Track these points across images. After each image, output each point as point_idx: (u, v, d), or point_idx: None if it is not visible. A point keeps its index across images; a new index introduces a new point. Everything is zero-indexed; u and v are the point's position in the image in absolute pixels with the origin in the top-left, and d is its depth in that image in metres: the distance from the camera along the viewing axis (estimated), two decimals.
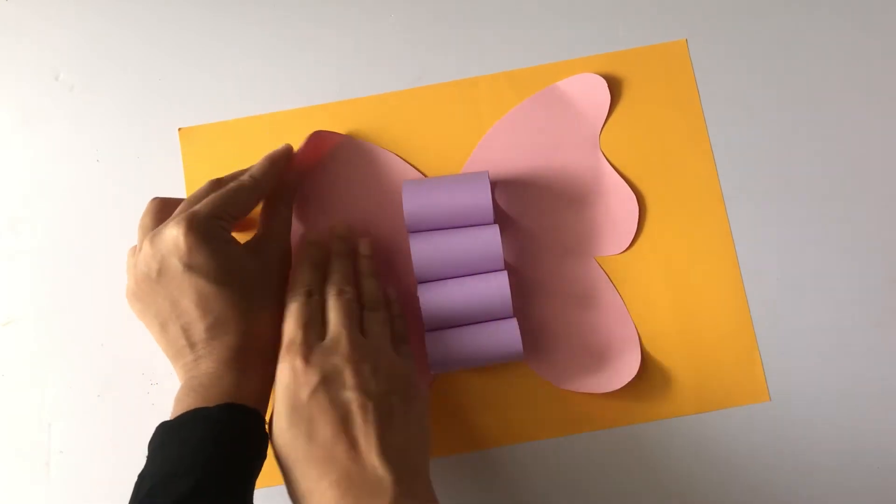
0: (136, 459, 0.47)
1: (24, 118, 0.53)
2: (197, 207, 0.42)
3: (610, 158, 0.51)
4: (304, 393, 0.39)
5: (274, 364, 0.41)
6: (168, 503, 0.35)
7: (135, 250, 0.44)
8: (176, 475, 0.36)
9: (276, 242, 0.46)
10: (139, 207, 0.51)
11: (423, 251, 0.46)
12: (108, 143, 0.53)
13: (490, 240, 0.46)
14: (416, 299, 0.47)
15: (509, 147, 0.51)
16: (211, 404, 0.39)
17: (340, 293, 0.44)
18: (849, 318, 0.49)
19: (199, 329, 0.41)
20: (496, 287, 0.46)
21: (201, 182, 0.51)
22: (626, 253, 0.50)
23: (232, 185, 0.45)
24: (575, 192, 0.51)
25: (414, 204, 0.46)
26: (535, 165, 0.51)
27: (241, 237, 0.46)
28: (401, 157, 0.52)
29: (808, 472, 0.47)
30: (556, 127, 0.51)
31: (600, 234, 0.50)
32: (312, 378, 0.39)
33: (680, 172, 0.51)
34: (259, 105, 0.53)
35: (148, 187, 0.52)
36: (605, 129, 0.52)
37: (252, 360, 0.41)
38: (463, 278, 0.47)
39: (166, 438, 0.39)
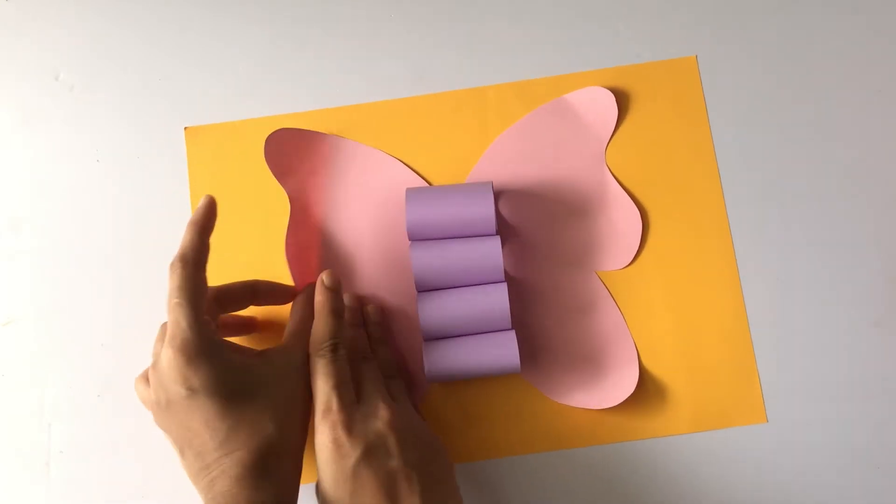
0: (136, 459, 0.49)
1: (24, 118, 0.53)
2: (182, 324, 0.39)
3: (615, 173, 0.51)
4: (349, 464, 0.39)
5: (299, 468, 0.41)
6: None
7: (145, 375, 0.43)
8: None
9: (297, 353, 0.43)
10: (139, 207, 0.52)
11: (424, 260, 0.46)
12: (108, 143, 0.52)
13: (491, 251, 0.46)
14: (415, 308, 0.47)
15: (515, 158, 0.51)
16: None
17: (367, 358, 0.44)
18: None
19: (210, 449, 0.39)
20: (496, 299, 0.46)
21: (205, 181, 0.52)
22: (627, 268, 0.50)
23: (179, 280, 0.40)
24: (579, 206, 0.50)
25: (416, 212, 0.46)
26: (540, 177, 0.51)
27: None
28: (405, 164, 0.51)
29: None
30: (563, 139, 0.51)
31: (603, 249, 0.50)
32: (357, 449, 0.39)
33: (685, 189, 0.50)
34: (260, 107, 0.52)
35: (148, 187, 0.52)
36: (611, 143, 0.51)
37: (273, 469, 0.40)
38: (462, 289, 0.47)
39: None
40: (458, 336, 0.47)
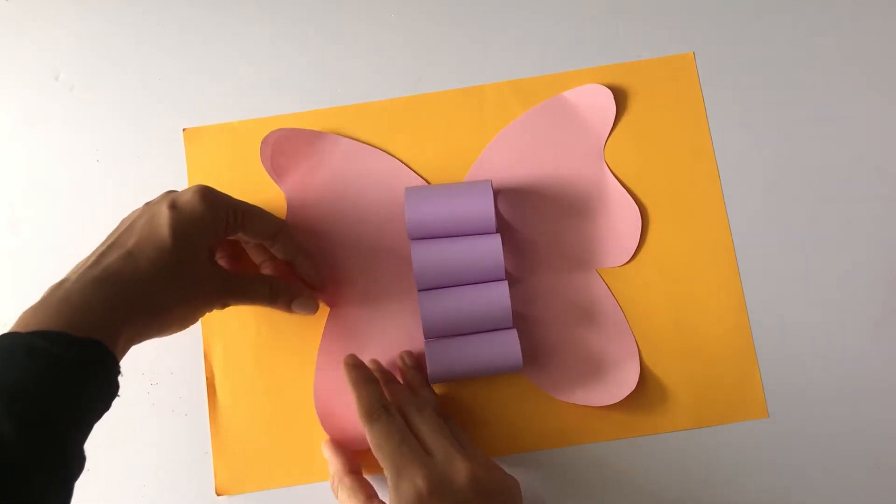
0: (135, 459, 0.49)
1: (24, 118, 0.53)
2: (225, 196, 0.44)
3: (614, 170, 0.51)
4: None
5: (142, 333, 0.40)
6: None
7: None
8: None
9: (236, 296, 0.45)
10: (139, 207, 0.51)
11: (424, 259, 0.46)
12: (108, 143, 0.52)
13: (491, 249, 0.46)
14: (416, 307, 0.47)
15: (513, 156, 0.51)
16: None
17: (420, 409, 0.43)
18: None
19: (115, 242, 0.40)
20: (497, 297, 0.46)
21: (204, 183, 0.51)
22: (627, 265, 0.50)
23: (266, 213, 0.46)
24: (578, 203, 0.50)
25: (416, 211, 0.46)
26: (539, 175, 0.51)
27: None
28: (404, 163, 0.51)
29: (805, 490, 0.47)
30: (561, 137, 0.51)
31: (602, 246, 0.50)
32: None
33: (684, 186, 0.50)
34: (260, 107, 0.52)
35: (148, 187, 0.51)
36: (609, 140, 0.51)
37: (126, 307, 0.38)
38: (463, 287, 0.47)
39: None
40: (460, 335, 0.47)
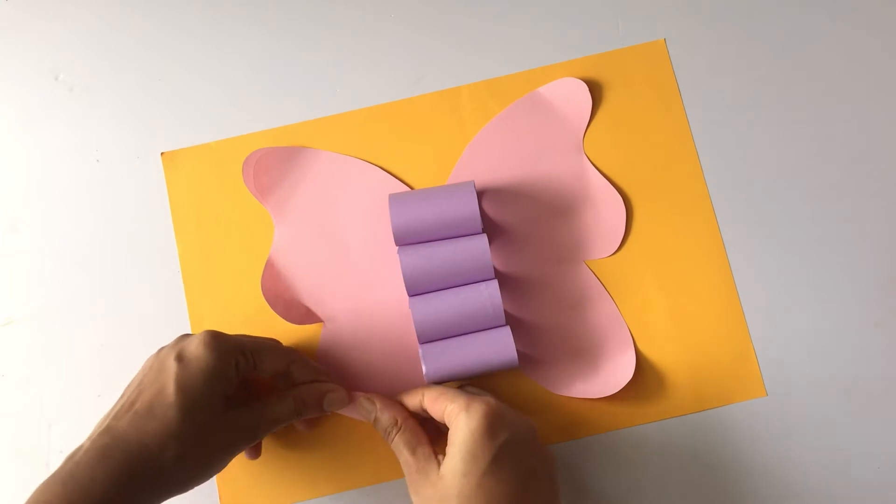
0: None
1: (24, 118, 0.53)
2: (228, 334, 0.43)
3: (594, 161, 0.51)
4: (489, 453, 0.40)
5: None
6: None
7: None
8: None
9: (264, 427, 0.43)
10: (139, 207, 0.52)
11: (413, 264, 0.46)
12: (108, 143, 0.53)
13: (479, 249, 0.46)
14: (408, 312, 0.47)
15: (494, 155, 0.51)
16: None
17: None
18: (835, 310, 0.50)
19: (126, 402, 0.41)
20: (487, 296, 0.46)
21: (186, 206, 0.52)
22: (615, 255, 0.50)
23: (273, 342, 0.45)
24: (561, 197, 0.51)
25: (401, 217, 0.46)
26: (521, 172, 0.51)
27: None
28: (386, 171, 0.51)
29: (807, 465, 0.48)
30: (540, 133, 0.51)
31: (589, 238, 0.50)
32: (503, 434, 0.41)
33: (665, 172, 0.51)
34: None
35: (148, 187, 0.52)
36: (588, 132, 0.52)
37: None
38: (454, 289, 0.47)
39: None
40: (454, 336, 0.47)
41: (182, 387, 0.39)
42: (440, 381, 0.46)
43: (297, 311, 0.49)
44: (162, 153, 0.52)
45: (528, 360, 0.49)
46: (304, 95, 0.53)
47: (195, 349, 0.41)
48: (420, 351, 0.46)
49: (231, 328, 0.49)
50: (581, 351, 0.49)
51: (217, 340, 0.41)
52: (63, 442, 0.49)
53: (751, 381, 0.49)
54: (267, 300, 0.48)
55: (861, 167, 0.51)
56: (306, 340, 0.50)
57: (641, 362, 0.49)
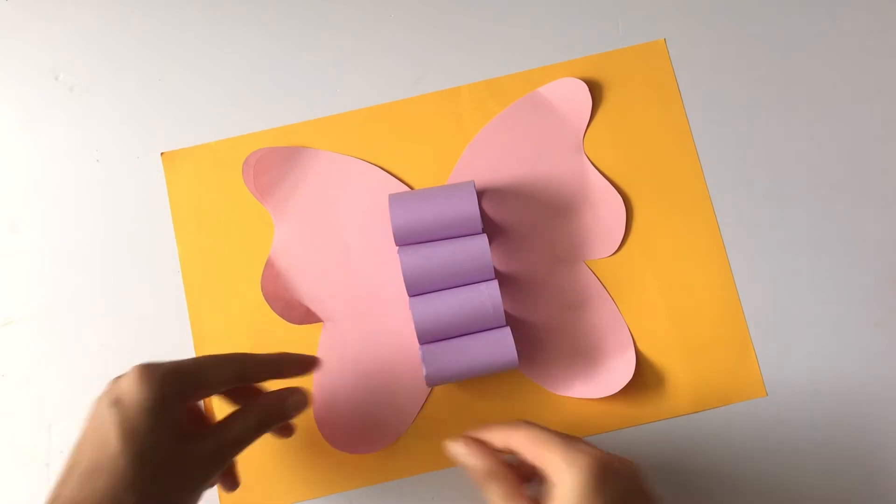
0: None
1: (24, 118, 0.53)
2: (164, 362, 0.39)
3: (594, 161, 0.51)
4: None
5: None
6: None
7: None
8: None
9: (228, 451, 0.39)
10: (139, 207, 0.52)
11: (413, 264, 0.46)
12: (108, 143, 0.53)
13: (479, 249, 0.46)
14: (408, 313, 0.47)
15: (494, 155, 0.51)
16: None
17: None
18: (835, 310, 0.50)
19: (71, 465, 0.36)
20: (487, 296, 0.46)
21: (186, 206, 0.52)
22: (615, 255, 0.50)
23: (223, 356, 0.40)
24: (561, 197, 0.51)
25: (401, 217, 0.46)
26: (521, 172, 0.51)
27: None
28: (386, 171, 0.51)
29: (807, 465, 0.48)
30: (540, 133, 0.51)
31: (589, 238, 0.50)
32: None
33: (665, 172, 0.51)
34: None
35: (148, 187, 0.52)
36: (588, 132, 0.52)
37: None
38: (454, 289, 0.47)
39: None
40: (454, 337, 0.47)
41: (125, 431, 0.35)
42: (441, 383, 0.46)
43: (297, 311, 0.49)
44: (162, 153, 0.52)
45: (528, 360, 0.49)
46: (304, 95, 0.53)
47: (129, 388, 0.37)
48: (420, 352, 0.46)
49: (231, 328, 0.50)
50: (581, 351, 0.49)
51: (150, 371, 0.37)
52: (63, 442, 0.49)
53: (750, 382, 0.49)
54: (267, 300, 0.48)
55: (861, 167, 0.51)
56: (306, 340, 0.50)
57: (641, 363, 0.49)
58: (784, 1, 0.53)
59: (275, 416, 0.42)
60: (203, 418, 0.44)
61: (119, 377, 0.38)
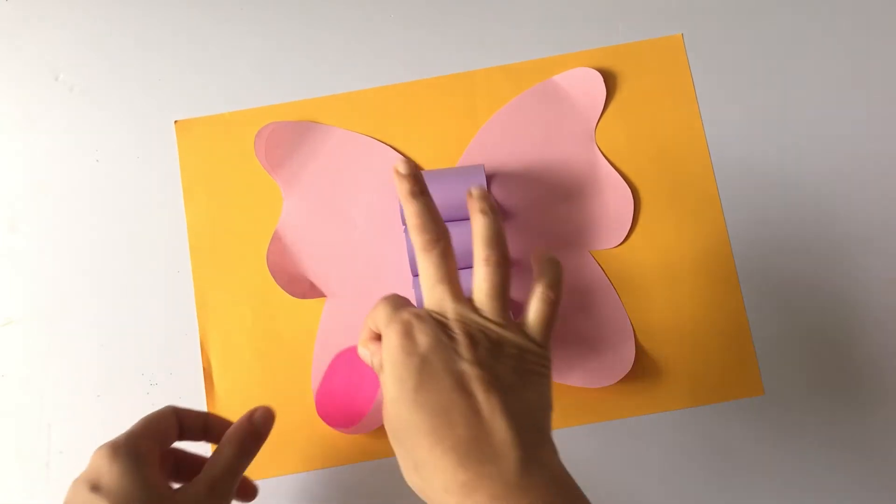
0: None
1: (24, 118, 0.53)
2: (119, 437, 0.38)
3: (605, 152, 0.52)
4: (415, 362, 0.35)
5: None
6: None
7: None
8: None
9: (222, 484, 0.39)
10: (139, 207, 0.52)
11: None
12: (108, 143, 0.53)
13: None
14: (412, 293, 0.47)
15: (505, 140, 0.52)
16: None
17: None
18: (834, 309, 0.50)
19: None
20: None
21: (197, 175, 0.52)
22: (620, 247, 0.50)
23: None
24: (570, 186, 0.51)
25: None
26: (531, 159, 0.51)
27: None
28: (397, 151, 0.52)
29: (801, 465, 0.48)
30: (552, 121, 0.52)
31: (595, 228, 0.51)
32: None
33: (675, 166, 0.51)
34: (252, 98, 0.53)
35: (148, 187, 0.52)
36: (600, 123, 0.52)
37: None
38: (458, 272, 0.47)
39: None
40: None
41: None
42: None
43: (301, 286, 0.50)
44: (175, 121, 0.52)
45: None
46: (299, 84, 0.53)
47: (102, 469, 0.37)
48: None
49: (236, 306, 0.50)
50: (581, 340, 0.49)
51: (112, 447, 0.37)
52: (63, 442, 0.49)
53: (748, 379, 0.49)
54: (271, 273, 0.49)
55: (871, 166, 0.51)
56: (309, 315, 0.50)
57: (640, 354, 0.49)
58: (800, 7, 0.53)
59: (248, 432, 0.41)
60: (189, 457, 0.43)
61: (82, 473, 0.38)
